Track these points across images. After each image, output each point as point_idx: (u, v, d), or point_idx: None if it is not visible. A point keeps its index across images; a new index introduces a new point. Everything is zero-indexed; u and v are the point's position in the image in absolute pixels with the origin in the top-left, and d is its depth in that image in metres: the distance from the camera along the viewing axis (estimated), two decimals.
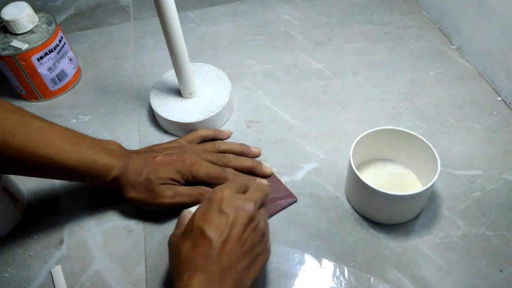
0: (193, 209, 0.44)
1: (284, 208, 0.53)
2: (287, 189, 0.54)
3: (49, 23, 0.67)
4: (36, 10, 0.67)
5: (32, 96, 0.70)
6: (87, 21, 0.87)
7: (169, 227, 0.52)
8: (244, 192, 0.42)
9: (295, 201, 0.53)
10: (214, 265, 0.36)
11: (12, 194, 0.53)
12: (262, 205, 0.43)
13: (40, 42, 0.64)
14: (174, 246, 0.40)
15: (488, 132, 0.59)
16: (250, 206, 0.39)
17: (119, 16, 0.87)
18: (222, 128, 0.63)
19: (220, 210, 0.38)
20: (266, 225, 0.43)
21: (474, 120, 0.61)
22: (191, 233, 0.38)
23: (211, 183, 0.52)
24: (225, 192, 0.40)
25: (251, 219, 0.39)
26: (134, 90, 0.71)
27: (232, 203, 0.39)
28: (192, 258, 0.37)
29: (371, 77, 0.69)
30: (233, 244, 0.37)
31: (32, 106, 0.70)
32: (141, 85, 0.71)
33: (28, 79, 0.67)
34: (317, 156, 0.58)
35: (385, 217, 0.50)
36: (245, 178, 0.54)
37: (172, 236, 0.42)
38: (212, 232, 0.37)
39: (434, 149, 0.48)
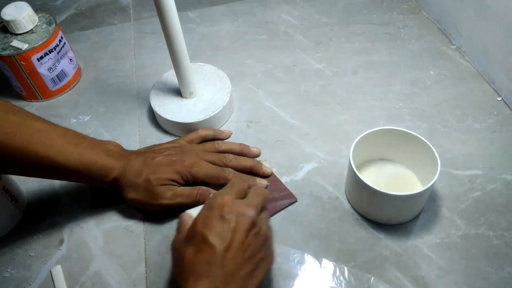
0: (192, 211, 0.44)
1: (284, 208, 0.53)
2: (287, 189, 0.54)
3: (49, 23, 0.67)
4: (36, 10, 0.67)
5: (32, 96, 0.70)
6: (87, 21, 0.87)
7: (169, 227, 0.53)
8: (244, 196, 0.42)
9: (295, 201, 0.53)
10: (217, 271, 0.36)
11: (12, 194, 0.53)
12: (263, 208, 0.43)
13: (40, 42, 0.64)
14: (177, 251, 0.40)
15: (488, 132, 0.59)
16: (251, 212, 0.39)
17: (119, 16, 0.87)
18: (222, 128, 0.63)
19: (221, 216, 0.38)
20: (269, 229, 0.42)
21: (474, 120, 0.61)
22: (194, 239, 0.38)
23: (211, 183, 0.52)
24: (225, 198, 0.40)
25: (252, 224, 0.39)
26: (134, 90, 0.71)
27: (233, 209, 0.39)
28: (196, 264, 0.37)
29: (371, 77, 0.69)
30: (235, 250, 0.37)
31: (32, 106, 0.70)
32: (141, 85, 0.71)
33: (28, 79, 0.67)
34: (317, 156, 0.58)
35: (385, 217, 0.50)
36: (245, 180, 0.54)
37: (174, 240, 0.42)
38: (215, 239, 0.37)
39: (434, 149, 0.48)
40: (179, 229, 0.43)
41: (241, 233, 0.38)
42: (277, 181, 0.55)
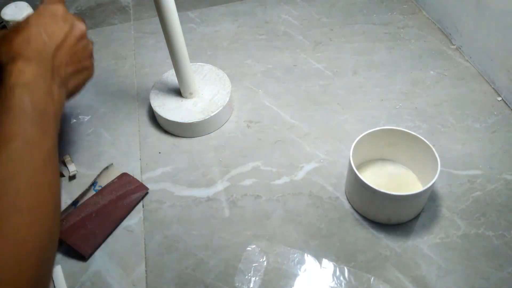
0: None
1: (139, 201, 0.54)
2: (137, 181, 0.55)
3: None
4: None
5: None
6: (87, 21, 0.86)
7: (169, 227, 0.53)
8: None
9: (147, 193, 0.55)
10: (46, 61, 0.41)
11: None
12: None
13: None
14: (3, 38, 0.42)
15: (488, 132, 0.59)
16: (83, 26, 0.47)
17: (119, 16, 0.87)
18: (223, 128, 0.63)
19: (55, 20, 0.43)
20: (92, 48, 0.50)
21: (474, 120, 0.61)
22: (25, 30, 0.41)
23: None
24: (59, 7, 0.44)
25: (82, 36, 0.46)
26: (134, 90, 0.71)
27: (67, 18, 0.45)
28: (25, 49, 0.40)
29: (371, 77, 0.69)
30: (65, 50, 0.43)
31: None
32: (141, 85, 0.71)
33: None
34: (317, 156, 0.58)
35: (385, 217, 0.50)
36: None
37: (0, 32, 0.44)
38: (48, 35, 0.42)
39: (434, 149, 0.48)
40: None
41: (72, 39, 0.45)
42: (125, 174, 0.56)
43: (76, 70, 0.46)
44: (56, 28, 0.43)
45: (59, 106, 0.43)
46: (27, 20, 0.42)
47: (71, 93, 0.47)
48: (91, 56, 0.49)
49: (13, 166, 0.34)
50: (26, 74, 0.39)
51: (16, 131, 0.36)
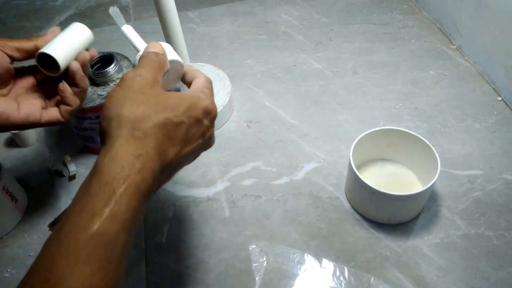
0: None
1: None
2: None
3: None
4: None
5: None
6: (87, 21, 0.86)
7: (169, 227, 0.53)
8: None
9: None
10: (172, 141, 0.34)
11: (12, 194, 0.53)
12: None
13: None
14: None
15: (488, 132, 0.59)
16: (214, 107, 0.38)
17: None
18: (223, 128, 0.63)
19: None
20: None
21: (474, 120, 0.61)
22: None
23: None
24: (210, 101, 0.38)
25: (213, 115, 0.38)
26: None
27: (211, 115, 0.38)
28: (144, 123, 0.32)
29: (371, 77, 0.69)
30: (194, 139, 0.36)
31: None
32: None
33: None
34: (317, 156, 0.58)
35: (385, 217, 0.50)
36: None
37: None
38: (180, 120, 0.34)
39: (434, 149, 0.48)
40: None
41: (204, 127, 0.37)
42: None
43: (193, 149, 0.36)
44: (195, 130, 0.35)
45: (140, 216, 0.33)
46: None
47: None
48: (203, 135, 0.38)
49: None
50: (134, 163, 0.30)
51: (68, 272, 0.28)
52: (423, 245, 0.48)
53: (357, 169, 0.48)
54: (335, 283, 0.46)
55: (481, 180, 0.54)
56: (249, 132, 0.63)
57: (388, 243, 0.49)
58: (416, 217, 0.51)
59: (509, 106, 0.62)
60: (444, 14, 0.74)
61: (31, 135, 0.64)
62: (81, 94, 0.44)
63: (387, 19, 0.79)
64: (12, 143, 0.64)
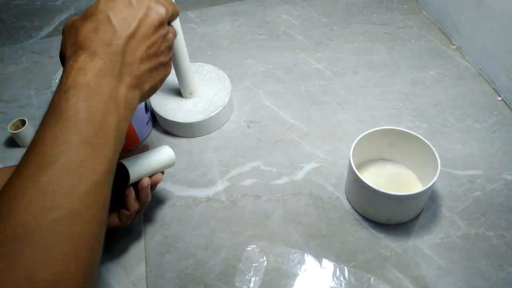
0: None
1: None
2: None
3: None
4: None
5: None
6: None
7: (169, 227, 0.53)
8: None
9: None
10: (115, 56, 0.34)
11: None
12: (171, 18, 0.40)
13: None
14: (70, 27, 0.36)
15: (488, 132, 0.59)
16: (162, 10, 0.37)
17: None
18: (223, 128, 0.63)
19: (129, 3, 0.35)
20: (173, 40, 0.40)
21: (474, 120, 0.61)
22: (94, 17, 0.34)
23: None
24: None
25: (161, 24, 0.37)
26: None
27: (143, 1, 0.36)
28: (92, 41, 0.33)
29: (371, 77, 0.69)
30: (139, 41, 0.35)
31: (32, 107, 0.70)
32: None
33: None
34: (317, 156, 0.58)
35: (385, 217, 0.50)
36: None
37: (68, 20, 0.37)
38: (119, 22, 0.34)
39: (434, 149, 0.48)
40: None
41: (148, 27, 0.36)
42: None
43: (152, 67, 0.37)
44: (129, 13, 0.35)
45: (125, 114, 0.35)
46: (96, 3, 0.35)
47: (144, 96, 0.38)
48: (170, 49, 0.39)
49: (51, 197, 0.29)
50: (87, 74, 0.32)
51: (58, 152, 0.30)
52: (423, 245, 0.48)
53: (357, 169, 0.48)
54: (335, 283, 0.46)
55: (481, 180, 0.54)
56: (249, 132, 0.63)
57: (388, 243, 0.49)
58: (416, 217, 0.51)
59: (509, 106, 0.62)
60: (444, 14, 0.74)
61: (31, 135, 0.64)
62: (141, 206, 0.47)
63: (387, 19, 0.79)
64: (12, 143, 0.65)
